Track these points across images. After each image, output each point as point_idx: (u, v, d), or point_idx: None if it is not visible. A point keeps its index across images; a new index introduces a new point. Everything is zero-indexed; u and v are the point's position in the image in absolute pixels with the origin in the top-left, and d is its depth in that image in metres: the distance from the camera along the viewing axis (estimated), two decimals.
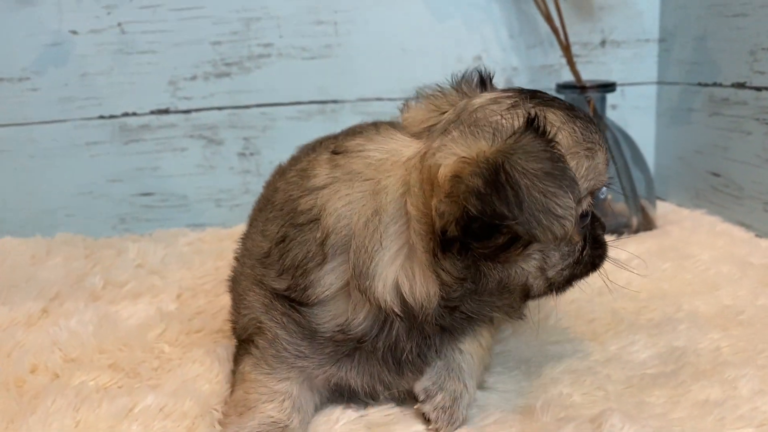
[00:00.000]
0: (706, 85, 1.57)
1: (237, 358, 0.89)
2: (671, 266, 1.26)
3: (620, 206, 1.56)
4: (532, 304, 1.09)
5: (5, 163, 1.66)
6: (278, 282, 0.78)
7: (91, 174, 1.69)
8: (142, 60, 1.65)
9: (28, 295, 1.23)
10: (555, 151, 0.66)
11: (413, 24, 1.70)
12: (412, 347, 0.78)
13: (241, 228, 1.66)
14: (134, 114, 1.68)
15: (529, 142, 0.65)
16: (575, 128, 0.73)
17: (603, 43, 1.77)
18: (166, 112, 1.68)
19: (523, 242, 0.68)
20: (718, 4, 1.50)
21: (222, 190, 1.75)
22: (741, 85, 1.45)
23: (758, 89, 1.40)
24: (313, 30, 1.67)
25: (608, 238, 1.07)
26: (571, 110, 0.76)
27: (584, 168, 0.73)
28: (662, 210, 1.63)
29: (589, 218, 0.79)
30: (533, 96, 0.75)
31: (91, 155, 1.68)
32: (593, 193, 0.78)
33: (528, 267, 0.73)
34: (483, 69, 0.86)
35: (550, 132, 0.67)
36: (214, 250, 1.50)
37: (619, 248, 1.34)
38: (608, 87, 1.55)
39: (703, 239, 1.40)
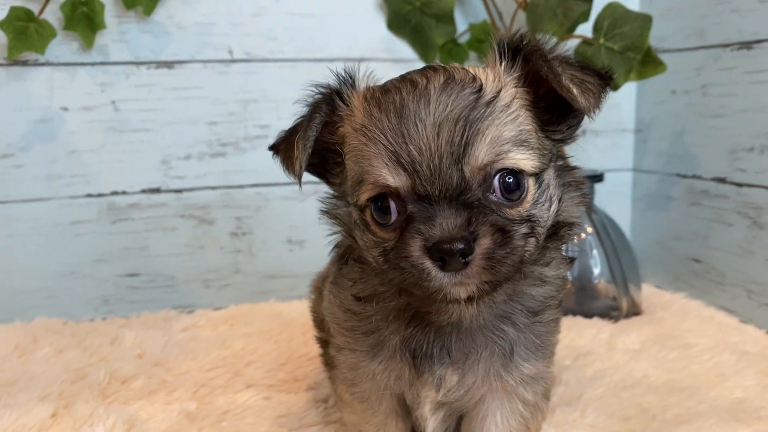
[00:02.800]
0: (685, 176, 1.68)
1: None
2: (676, 356, 1.31)
3: (609, 288, 1.63)
4: (563, 400, 1.12)
5: None
6: None
7: (75, 254, 1.61)
8: (135, 138, 1.62)
9: (30, 396, 1.15)
10: None
11: None
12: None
13: (233, 310, 1.65)
14: (124, 193, 1.63)
15: None
16: None
17: (584, 131, 1.86)
18: (157, 191, 1.64)
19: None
20: (696, 104, 1.62)
21: (211, 270, 1.71)
22: (722, 180, 1.56)
23: (739, 185, 1.51)
24: None
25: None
26: None
27: None
28: (644, 292, 1.70)
29: None
30: None
31: (76, 234, 1.61)
32: None
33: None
34: None
35: None
36: (213, 338, 1.45)
37: (624, 336, 1.42)
38: (597, 177, 1.63)
39: (694, 326, 1.47)
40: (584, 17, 1.49)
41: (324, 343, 1.02)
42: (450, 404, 0.88)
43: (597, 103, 0.74)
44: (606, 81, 0.77)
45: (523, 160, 0.72)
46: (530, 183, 0.73)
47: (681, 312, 1.56)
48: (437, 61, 0.77)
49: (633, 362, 1.29)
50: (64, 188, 1.59)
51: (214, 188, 1.68)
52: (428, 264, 0.68)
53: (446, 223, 0.68)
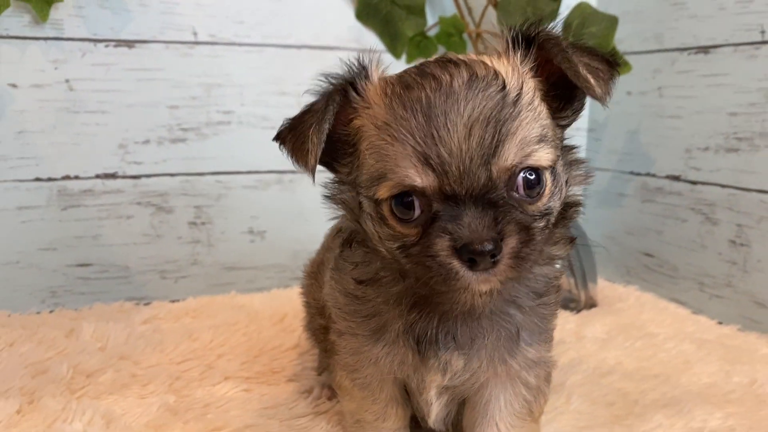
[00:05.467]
0: (639, 174, 1.75)
1: None
2: (642, 344, 1.36)
3: (566, 281, 1.67)
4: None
5: None
6: None
7: (21, 242, 1.51)
8: (90, 120, 1.53)
9: None
10: None
11: None
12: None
13: (192, 302, 1.58)
14: (77, 177, 1.53)
15: None
16: None
17: None
18: (113, 176, 1.56)
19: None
20: (652, 105, 1.69)
21: (168, 260, 1.64)
22: (676, 178, 1.63)
23: (694, 183, 1.58)
24: (276, 100, 1.65)
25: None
26: None
27: None
28: (598, 286, 1.76)
29: None
30: None
31: (22, 221, 1.50)
32: None
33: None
34: None
35: None
36: (177, 329, 1.39)
37: (590, 326, 1.46)
38: None
39: (652, 317, 1.53)
40: (553, 16, 1.52)
41: (325, 330, 0.99)
42: (454, 389, 0.88)
43: (609, 90, 0.74)
44: (614, 66, 0.77)
45: (545, 156, 0.72)
46: (548, 177, 0.74)
47: (637, 304, 1.63)
48: (452, 53, 0.76)
49: (604, 351, 1.33)
50: (9, 171, 1.48)
51: (173, 175, 1.61)
52: (456, 264, 0.68)
53: (474, 223, 0.68)
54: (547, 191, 0.73)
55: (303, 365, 1.25)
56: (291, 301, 1.43)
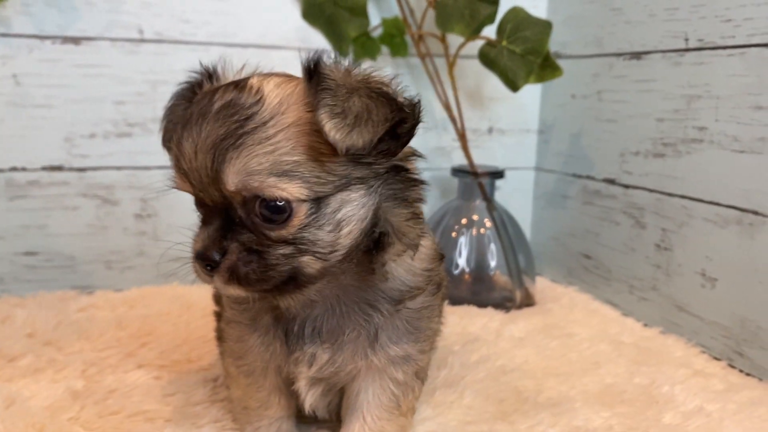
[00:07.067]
0: (581, 176, 1.77)
1: None
2: (557, 344, 1.39)
3: (505, 280, 1.70)
4: (446, 383, 1.18)
5: None
6: None
7: None
8: (37, 114, 1.58)
9: None
10: None
11: None
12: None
13: (134, 292, 1.63)
14: (23, 169, 1.59)
15: None
16: None
17: (490, 130, 1.94)
18: (59, 169, 1.61)
19: None
20: (592, 108, 1.72)
21: (114, 251, 1.69)
22: (611, 181, 1.66)
23: (626, 186, 1.61)
24: None
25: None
26: None
27: None
28: (538, 285, 1.79)
29: None
30: None
31: None
32: None
33: None
34: None
35: None
36: (110, 318, 1.44)
37: (512, 325, 1.49)
38: (497, 174, 1.70)
39: (580, 318, 1.56)
40: (490, 20, 1.55)
41: (218, 316, 1.05)
42: (327, 380, 0.92)
43: (360, 137, 0.70)
44: (398, 111, 0.73)
45: (290, 189, 0.72)
46: (301, 208, 0.74)
47: (569, 304, 1.65)
48: (260, 75, 0.79)
49: (516, 349, 1.36)
50: None
51: (119, 168, 1.66)
52: (195, 265, 0.78)
53: (203, 234, 0.77)
54: (296, 222, 0.74)
55: (220, 355, 1.29)
56: None
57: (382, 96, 0.73)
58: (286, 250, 0.75)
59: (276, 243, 0.75)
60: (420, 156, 0.87)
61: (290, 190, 0.72)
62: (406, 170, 0.83)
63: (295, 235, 0.74)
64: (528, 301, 1.70)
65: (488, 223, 1.69)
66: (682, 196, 1.44)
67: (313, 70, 0.74)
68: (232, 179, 0.72)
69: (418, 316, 0.89)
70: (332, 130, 0.70)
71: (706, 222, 1.38)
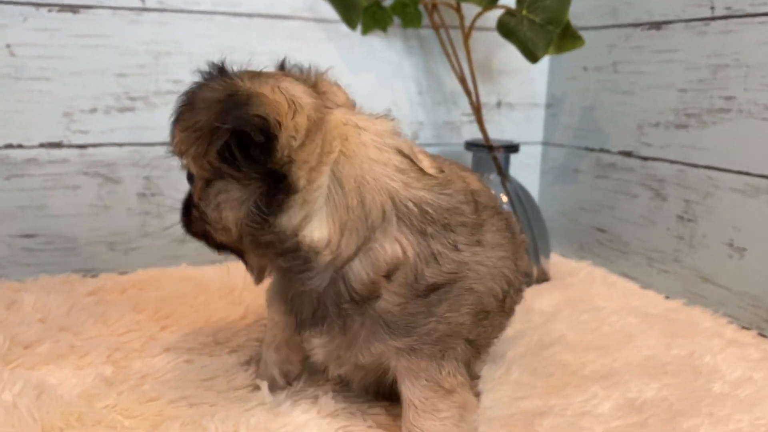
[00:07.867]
0: (593, 150, 1.76)
1: None
2: (588, 318, 1.38)
3: None
4: (488, 359, 1.15)
5: None
6: None
7: None
8: (33, 87, 1.48)
9: None
10: None
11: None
12: None
13: (141, 275, 1.56)
14: (20, 146, 1.49)
15: None
16: None
17: (499, 104, 1.90)
18: (58, 145, 1.52)
19: None
20: (607, 80, 1.70)
21: (117, 232, 1.61)
22: (628, 154, 1.64)
23: (645, 158, 1.59)
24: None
25: None
26: None
27: None
28: (551, 261, 1.77)
29: None
30: None
31: None
32: None
33: None
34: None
35: None
36: (122, 301, 1.37)
37: (539, 299, 1.47)
38: (512, 148, 1.67)
39: (601, 291, 1.55)
40: None
41: None
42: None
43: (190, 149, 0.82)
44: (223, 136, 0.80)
45: (189, 164, 0.86)
46: (198, 182, 0.86)
47: (588, 278, 1.64)
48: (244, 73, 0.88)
49: (549, 324, 1.34)
50: None
51: (120, 145, 1.57)
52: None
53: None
54: (197, 190, 0.87)
55: (248, 336, 1.24)
56: (242, 273, 1.42)
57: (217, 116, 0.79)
58: (196, 213, 0.88)
59: (194, 206, 0.88)
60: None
61: (190, 165, 0.85)
62: (285, 177, 0.79)
63: (197, 203, 0.86)
64: (543, 277, 1.68)
65: (504, 198, 1.66)
66: (707, 167, 1.43)
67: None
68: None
69: (401, 316, 0.85)
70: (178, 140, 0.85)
71: (733, 192, 1.37)
